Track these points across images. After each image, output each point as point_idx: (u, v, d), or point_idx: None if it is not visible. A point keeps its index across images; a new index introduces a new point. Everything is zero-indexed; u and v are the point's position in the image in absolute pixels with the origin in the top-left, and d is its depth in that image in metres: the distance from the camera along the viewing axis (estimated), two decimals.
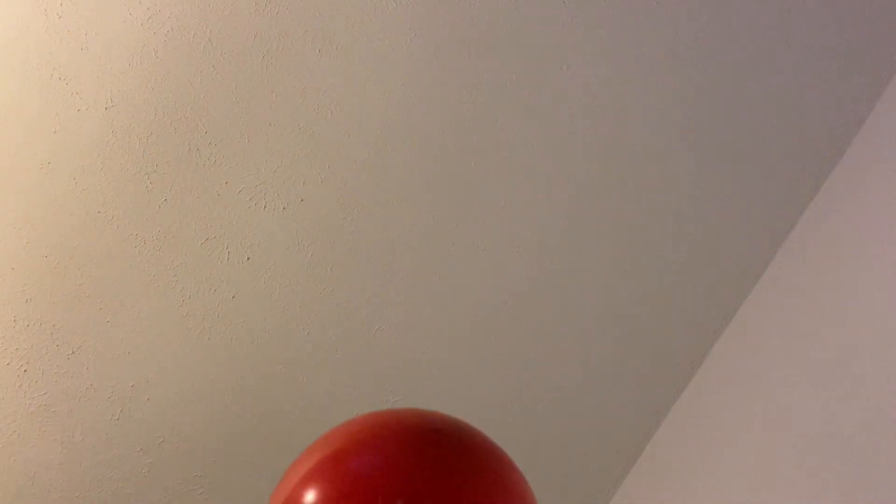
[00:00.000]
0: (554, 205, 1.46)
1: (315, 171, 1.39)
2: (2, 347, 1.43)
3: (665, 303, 1.55)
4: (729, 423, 1.45)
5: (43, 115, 1.30)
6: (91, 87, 1.30)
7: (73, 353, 1.45)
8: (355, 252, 1.46)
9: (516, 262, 1.49)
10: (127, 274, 1.42)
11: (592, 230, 1.48)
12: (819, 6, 1.30)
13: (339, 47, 1.31)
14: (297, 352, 1.51)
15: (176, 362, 1.49)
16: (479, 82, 1.36)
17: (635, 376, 1.60)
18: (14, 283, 1.39)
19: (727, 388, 1.51)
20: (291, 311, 1.48)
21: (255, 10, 1.28)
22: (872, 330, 1.17)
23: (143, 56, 1.29)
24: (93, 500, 1.55)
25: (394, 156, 1.40)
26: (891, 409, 1.08)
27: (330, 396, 1.55)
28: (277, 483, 0.86)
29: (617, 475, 1.68)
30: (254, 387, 1.52)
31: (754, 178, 1.44)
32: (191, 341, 1.48)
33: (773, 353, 1.40)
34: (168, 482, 1.56)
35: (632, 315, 1.55)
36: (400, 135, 1.39)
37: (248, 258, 1.44)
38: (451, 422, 0.94)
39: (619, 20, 1.31)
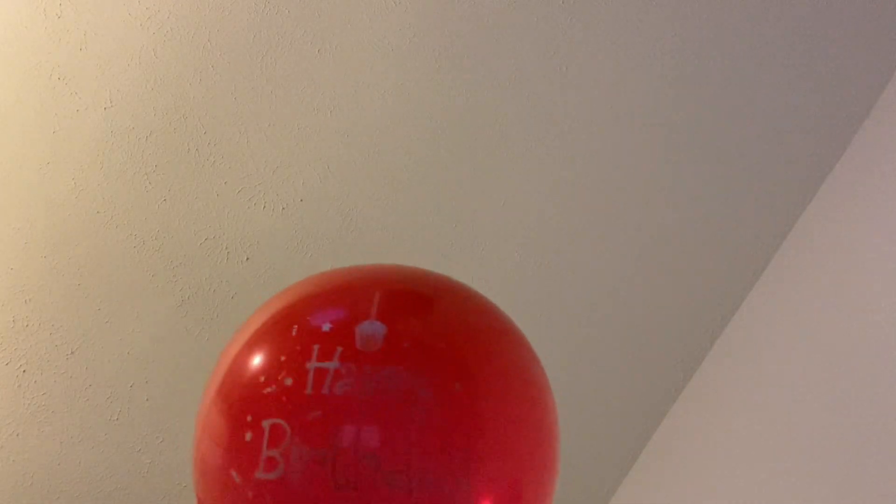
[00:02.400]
0: (553, 205, 1.46)
1: (314, 171, 1.39)
2: (1, 347, 1.43)
3: (665, 303, 1.54)
4: (728, 424, 1.45)
5: (43, 115, 1.30)
6: (90, 87, 1.30)
7: (72, 353, 1.45)
8: (354, 252, 1.45)
9: (515, 262, 1.49)
10: (126, 274, 1.42)
11: (592, 230, 1.48)
12: (819, 6, 1.30)
13: (339, 47, 1.31)
14: None
15: (175, 362, 1.49)
16: (478, 83, 1.36)
17: (635, 376, 1.60)
18: (14, 283, 1.39)
19: (726, 389, 1.50)
20: None
21: (255, 10, 1.28)
22: (872, 329, 1.17)
23: (142, 56, 1.29)
24: (92, 500, 1.55)
25: (393, 156, 1.40)
26: (892, 409, 1.08)
27: None
28: None
29: (616, 475, 1.68)
30: None
31: (753, 177, 1.44)
32: (190, 341, 1.47)
33: (772, 353, 1.40)
34: (167, 482, 1.56)
35: (631, 315, 1.55)
36: (399, 135, 1.39)
37: (248, 258, 1.44)
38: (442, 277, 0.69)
39: (618, 22, 1.31)
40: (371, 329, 0.58)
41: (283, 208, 1.41)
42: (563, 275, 1.51)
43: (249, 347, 0.61)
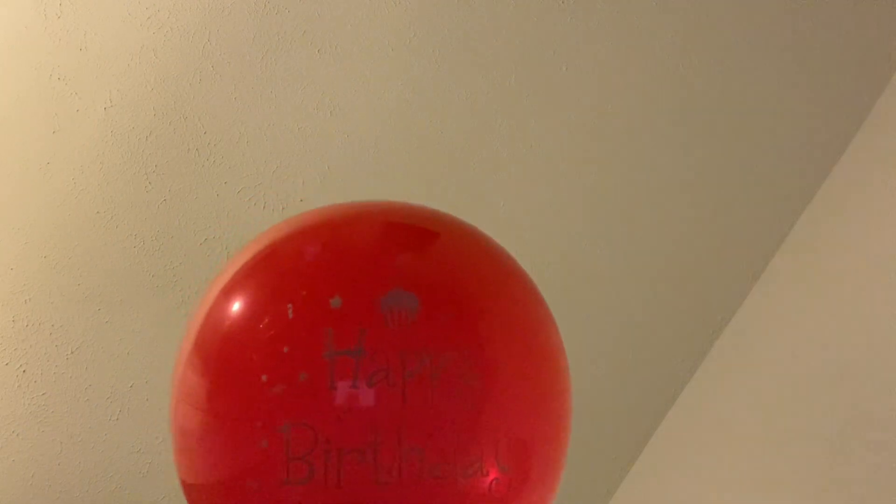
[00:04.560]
0: (554, 205, 1.46)
1: (314, 171, 1.39)
2: (1, 348, 1.43)
3: (665, 303, 1.54)
4: (728, 423, 1.45)
5: (43, 115, 1.30)
6: (90, 87, 1.30)
7: (72, 353, 1.45)
8: None
9: None
10: (126, 274, 1.42)
11: (592, 229, 1.48)
12: (819, 6, 1.30)
13: (339, 47, 1.31)
14: None
15: (175, 363, 1.48)
16: (479, 84, 1.36)
17: (635, 376, 1.60)
18: (14, 283, 1.39)
19: (726, 389, 1.50)
20: None
21: (255, 10, 1.28)
22: (872, 329, 1.17)
23: (142, 56, 1.29)
24: (92, 501, 1.54)
25: (393, 156, 1.40)
26: (892, 408, 1.08)
27: None
28: None
29: (616, 475, 1.68)
30: None
31: (754, 177, 1.44)
32: None
33: (772, 353, 1.40)
34: (167, 482, 1.56)
35: (631, 315, 1.55)
36: (399, 135, 1.39)
37: None
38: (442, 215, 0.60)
39: (618, 21, 1.31)
40: (400, 301, 0.48)
41: (283, 208, 1.41)
42: (562, 276, 1.51)
43: (233, 329, 0.51)
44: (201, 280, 1.44)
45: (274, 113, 1.35)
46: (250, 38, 1.29)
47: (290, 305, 0.48)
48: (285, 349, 0.47)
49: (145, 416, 1.51)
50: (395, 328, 0.47)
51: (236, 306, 0.52)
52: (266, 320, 0.49)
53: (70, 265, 1.40)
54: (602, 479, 1.68)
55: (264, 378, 0.46)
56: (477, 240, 0.63)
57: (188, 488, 0.54)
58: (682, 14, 1.31)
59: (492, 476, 0.48)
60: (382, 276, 0.49)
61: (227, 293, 0.54)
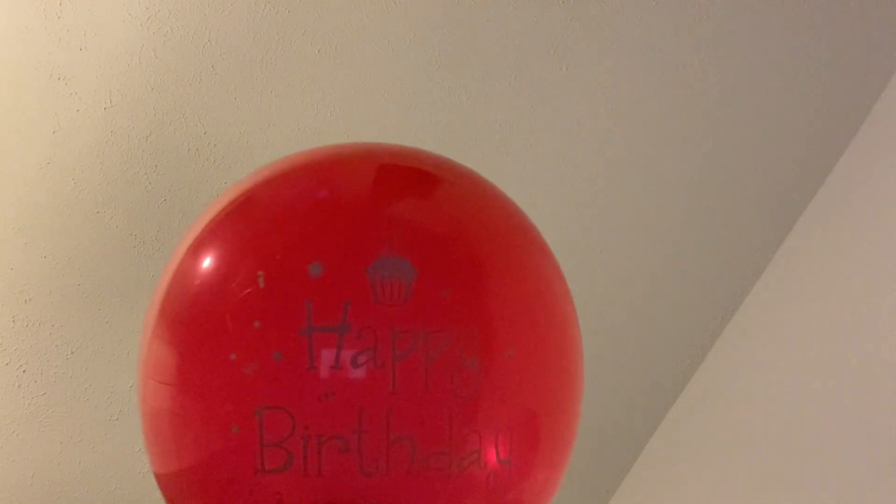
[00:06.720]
0: (555, 205, 1.46)
1: None
2: (1, 348, 1.43)
3: (665, 302, 1.54)
4: (728, 423, 1.45)
5: (42, 115, 1.30)
6: (90, 87, 1.30)
7: (72, 353, 1.45)
8: None
9: None
10: (126, 274, 1.42)
11: (592, 227, 1.48)
12: (819, 5, 1.30)
13: (338, 47, 1.31)
14: None
15: None
16: (479, 84, 1.36)
17: (635, 376, 1.60)
18: (13, 283, 1.39)
19: (726, 388, 1.50)
20: None
21: (254, 10, 1.28)
22: (872, 330, 1.17)
23: (142, 56, 1.29)
24: (91, 501, 1.55)
25: None
26: (892, 409, 1.08)
27: None
28: None
29: (616, 475, 1.68)
30: None
31: (754, 176, 1.44)
32: None
33: (772, 352, 1.40)
34: None
35: (631, 315, 1.55)
36: (399, 136, 1.39)
37: None
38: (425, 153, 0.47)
39: (617, 21, 1.31)
40: (393, 269, 0.41)
41: None
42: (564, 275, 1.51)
43: (198, 299, 0.44)
44: None
45: (274, 113, 1.35)
46: (250, 38, 1.29)
47: (260, 273, 0.42)
48: (256, 324, 0.41)
49: None
50: (386, 301, 0.41)
51: (201, 271, 0.44)
52: (233, 290, 0.42)
53: (70, 265, 1.40)
54: (602, 479, 1.69)
55: (233, 356, 0.41)
56: (486, 196, 0.54)
57: (162, 481, 0.50)
58: (683, 13, 1.31)
59: (490, 469, 0.43)
60: (372, 238, 0.42)
61: (193, 254, 0.47)
